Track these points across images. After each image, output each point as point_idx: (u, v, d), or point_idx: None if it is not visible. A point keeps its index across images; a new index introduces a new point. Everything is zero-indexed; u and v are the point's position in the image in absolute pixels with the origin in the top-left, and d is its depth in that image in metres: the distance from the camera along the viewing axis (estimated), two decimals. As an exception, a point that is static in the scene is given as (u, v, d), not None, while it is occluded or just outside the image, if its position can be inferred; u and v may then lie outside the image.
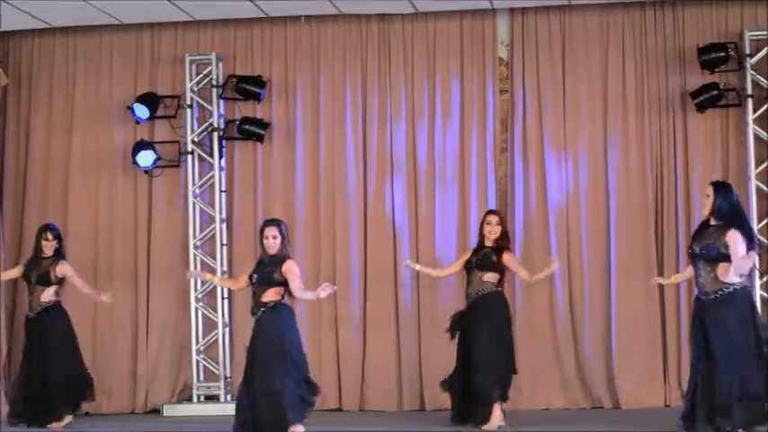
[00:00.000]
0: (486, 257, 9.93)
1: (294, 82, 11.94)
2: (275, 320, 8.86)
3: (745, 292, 8.55)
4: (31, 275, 10.59)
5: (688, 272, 9.09)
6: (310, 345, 11.47)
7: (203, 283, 11.72)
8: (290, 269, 8.92)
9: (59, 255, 10.63)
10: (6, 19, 11.21)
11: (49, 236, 10.60)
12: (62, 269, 10.54)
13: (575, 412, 11.10)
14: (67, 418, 10.53)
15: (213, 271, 11.74)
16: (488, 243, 10.02)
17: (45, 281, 10.51)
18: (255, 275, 8.95)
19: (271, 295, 8.90)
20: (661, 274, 11.05)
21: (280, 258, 8.94)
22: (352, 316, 11.63)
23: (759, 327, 8.58)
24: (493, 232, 9.99)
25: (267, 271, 8.91)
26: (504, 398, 9.81)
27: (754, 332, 8.52)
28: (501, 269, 9.94)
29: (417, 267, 10.59)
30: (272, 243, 8.96)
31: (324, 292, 8.79)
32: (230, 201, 11.97)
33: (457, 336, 10.04)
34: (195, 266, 11.74)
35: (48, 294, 10.51)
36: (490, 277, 9.92)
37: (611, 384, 11.24)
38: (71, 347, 10.62)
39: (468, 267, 10.02)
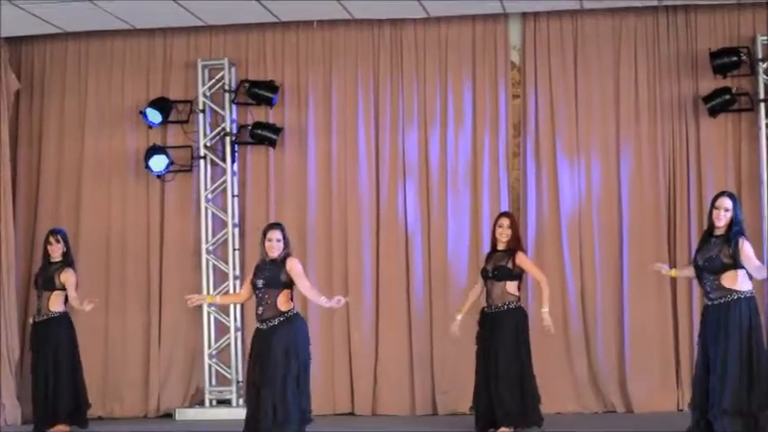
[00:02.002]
0: (500, 267, 9.87)
1: (306, 87, 11.95)
2: (291, 332, 8.80)
3: (749, 303, 8.59)
4: (38, 281, 10.64)
5: (689, 270, 9.08)
6: (323, 349, 11.53)
7: (216, 286, 11.75)
8: (294, 267, 8.85)
9: (67, 260, 10.65)
10: (19, 24, 11.22)
11: (52, 239, 10.62)
12: (65, 276, 10.54)
13: (587, 416, 11.11)
14: (63, 428, 10.55)
15: (225, 275, 11.79)
16: (500, 246, 10.01)
17: (49, 285, 10.53)
18: (261, 280, 8.86)
19: (284, 302, 8.86)
20: (674, 279, 11.07)
21: (281, 259, 8.87)
22: (364, 320, 11.62)
23: (758, 340, 8.60)
24: (504, 235, 9.95)
25: (271, 274, 8.83)
26: (516, 425, 9.74)
27: (752, 344, 8.55)
28: (518, 273, 9.90)
29: (459, 318, 10.15)
30: (275, 246, 8.88)
31: (337, 304, 8.81)
32: (243, 205, 11.97)
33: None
34: (207, 271, 11.78)
35: (56, 303, 10.53)
36: (512, 288, 9.85)
37: (623, 389, 11.25)
38: (71, 362, 10.63)
39: (485, 276, 9.98)
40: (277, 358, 8.69)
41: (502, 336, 9.75)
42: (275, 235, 8.91)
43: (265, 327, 8.82)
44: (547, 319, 9.77)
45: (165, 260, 11.95)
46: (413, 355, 11.55)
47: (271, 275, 8.83)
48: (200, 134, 11.93)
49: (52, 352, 10.49)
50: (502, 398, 9.65)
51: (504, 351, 9.72)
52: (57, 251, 10.62)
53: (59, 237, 10.67)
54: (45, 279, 10.57)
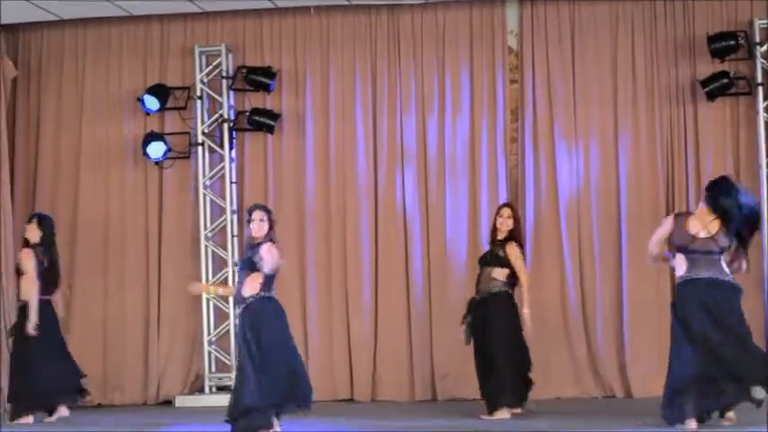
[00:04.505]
0: (492, 253, 9.93)
1: (304, 73, 11.93)
2: (252, 317, 8.66)
3: None
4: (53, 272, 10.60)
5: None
6: (322, 335, 11.57)
7: (215, 273, 11.76)
8: (261, 249, 8.62)
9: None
10: (16, 11, 11.22)
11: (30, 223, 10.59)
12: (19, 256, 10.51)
13: (586, 401, 11.13)
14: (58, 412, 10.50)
15: (224, 262, 11.79)
16: (500, 236, 10.02)
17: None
18: (239, 264, 8.81)
19: (250, 286, 8.66)
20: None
21: (261, 243, 8.71)
22: (363, 306, 11.63)
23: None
24: (504, 224, 9.97)
25: (248, 256, 8.71)
26: (512, 405, 9.79)
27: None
28: (506, 262, 9.87)
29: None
30: (258, 226, 8.71)
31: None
32: (241, 192, 11.96)
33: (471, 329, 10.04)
34: (206, 258, 11.79)
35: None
36: (499, 274, 9.84)
37: (622, 373, 11.27)
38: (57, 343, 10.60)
39: (480, 263, 10.05)
40: (239, 342, 8.73)
41: (491, 322, 9.79)
42: (258, 215, 8.79)
43: (238, 309, 8.79)
44: (528, 321, 9.77)
45: (163, 247, 11.95)
46: (412, 341, 11.57)
47: (247, 258, 8.73)
48: (197, 121, 11.92)
49: (59, 335, 10.55)
50: (500, 373, 9.70)
51: (498, 333, 9.74)
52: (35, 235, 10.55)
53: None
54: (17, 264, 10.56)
